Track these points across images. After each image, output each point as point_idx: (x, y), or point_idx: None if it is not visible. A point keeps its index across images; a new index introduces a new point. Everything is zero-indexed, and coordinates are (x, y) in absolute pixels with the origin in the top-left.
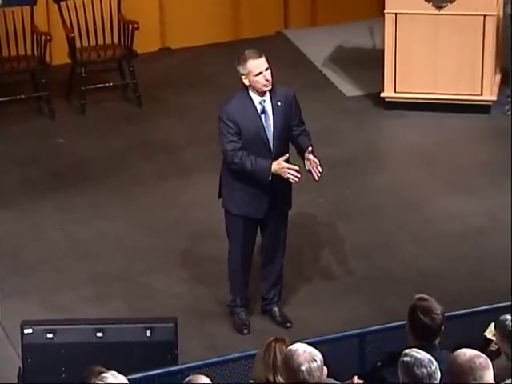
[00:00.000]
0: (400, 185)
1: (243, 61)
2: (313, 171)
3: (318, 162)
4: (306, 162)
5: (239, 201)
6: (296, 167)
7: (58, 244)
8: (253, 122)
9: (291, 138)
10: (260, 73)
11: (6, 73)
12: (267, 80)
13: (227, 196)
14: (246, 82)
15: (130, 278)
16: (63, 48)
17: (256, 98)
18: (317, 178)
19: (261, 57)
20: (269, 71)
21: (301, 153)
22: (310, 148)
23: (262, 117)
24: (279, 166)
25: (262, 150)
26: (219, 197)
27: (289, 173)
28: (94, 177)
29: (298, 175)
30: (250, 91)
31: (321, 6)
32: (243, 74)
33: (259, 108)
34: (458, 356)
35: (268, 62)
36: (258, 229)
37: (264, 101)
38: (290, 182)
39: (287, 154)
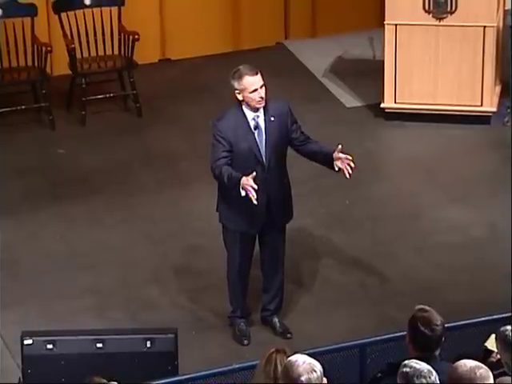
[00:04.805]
0: (400, 195)
1: (239, 77)
2: (345, 169)
3: (350, 158)
4: (335, 162)
5: (235, 216)
6: (254, 185)
7: (58, 254)
8: (246, 139)
9: (301, 152)
10: (255, 90)
11: (7, 83)
12: (261, 97)
13: (224, 211)
14: (240, 97)
15: (130, 289)
16: (64, 59)
17: (249, 114)
18: (348, 176)
19: (257, 74)
20: (263, 88)
21: (322, 160)
22: (340, 146)
23: (256, 133)
24: (243, 181)
25: (255, 166)
26: (217, 210)
27: (247, 189)
28: (94, 187)
29: (254, 195)
30: (243, 106)
31: (321, 17)
32: (237, 90)
33: (252, 124)
34: (459, 367)
35: (263, 79)
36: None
37: (258, 116)
38: (289, 196)
39: (254, 173)
